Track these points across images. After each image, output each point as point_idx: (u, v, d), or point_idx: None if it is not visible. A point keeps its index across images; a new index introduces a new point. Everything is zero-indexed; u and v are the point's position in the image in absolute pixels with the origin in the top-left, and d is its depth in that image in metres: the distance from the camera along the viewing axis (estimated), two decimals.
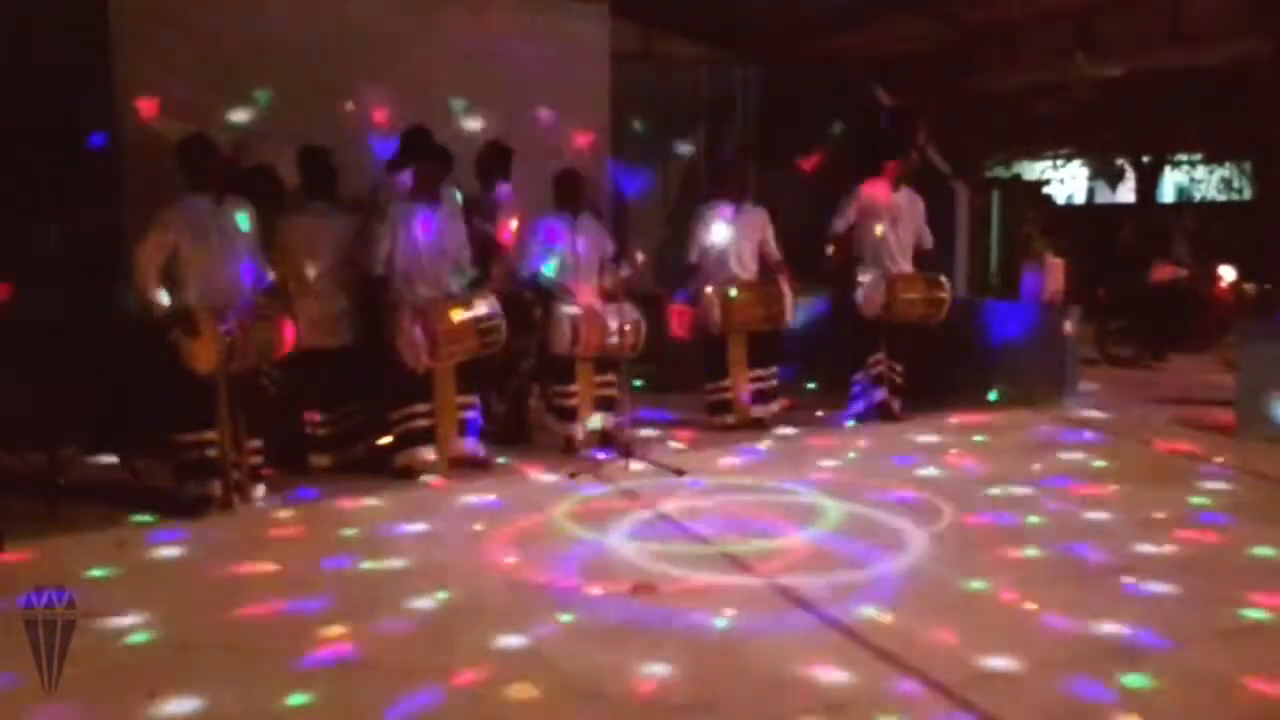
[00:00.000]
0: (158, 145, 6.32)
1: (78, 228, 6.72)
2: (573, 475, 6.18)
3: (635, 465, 6.30)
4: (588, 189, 7.00)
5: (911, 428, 7.45)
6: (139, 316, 5.53)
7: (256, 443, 5.70)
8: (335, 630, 3.94)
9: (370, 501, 5.70)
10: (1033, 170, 20.86)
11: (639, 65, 9.17)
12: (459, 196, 6.58)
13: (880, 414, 7.63)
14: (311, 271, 6.17)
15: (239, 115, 6.87)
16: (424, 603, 4.23)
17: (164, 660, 3.73)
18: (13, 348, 5.89)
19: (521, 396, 7.15)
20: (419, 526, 5.27)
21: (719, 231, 7.37)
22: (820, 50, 9.79)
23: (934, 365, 7.91)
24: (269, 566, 4.68)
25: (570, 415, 6.75)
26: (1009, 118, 14.96)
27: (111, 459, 6.18)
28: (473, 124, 7.59)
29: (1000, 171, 18.48)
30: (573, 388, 6.73)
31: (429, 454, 6.20)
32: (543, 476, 6.22)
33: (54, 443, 5.64)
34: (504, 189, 7.01)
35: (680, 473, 6.20)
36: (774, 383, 7.55)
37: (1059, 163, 21.15)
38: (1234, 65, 10.63)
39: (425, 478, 6.13)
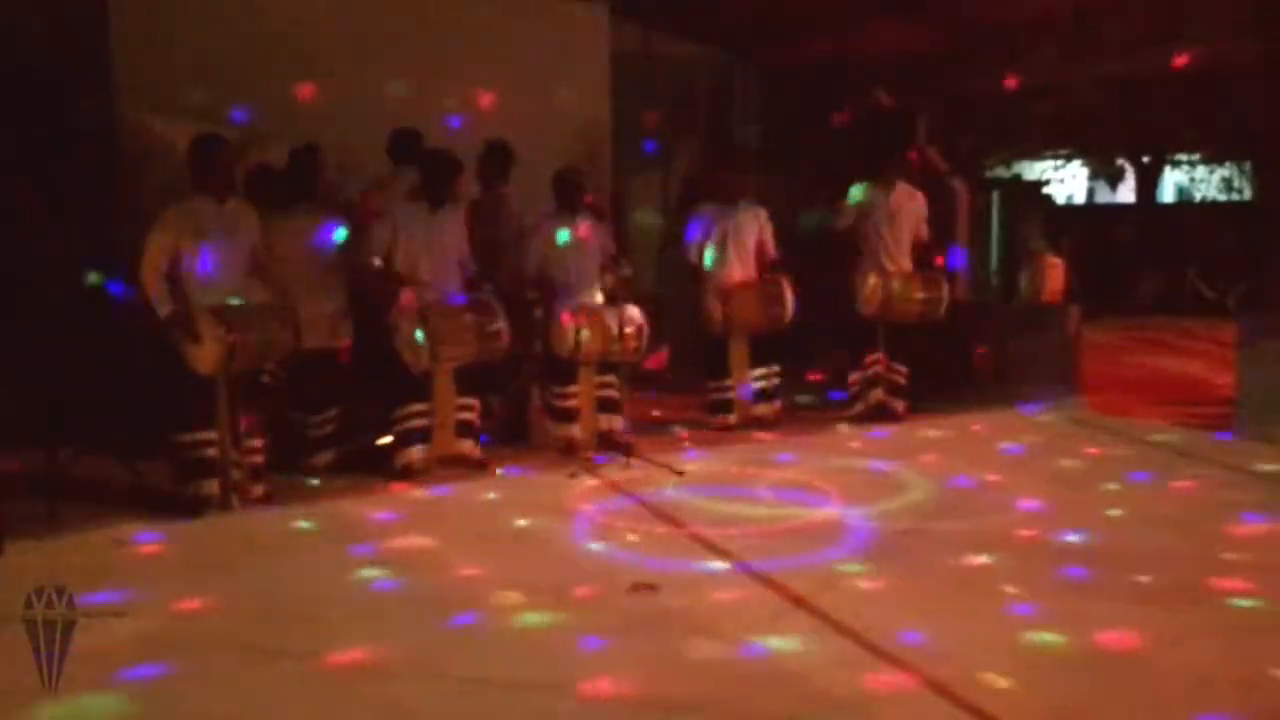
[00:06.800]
0: (157, 145, 6.33)
1: (77, 227, 6.70)
2: (572, 475, 6.18)
3: (634, 465, 6.31)
4: (588, 189, 6.99)
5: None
6: (140, 316, 5.52)
7: (257, 442, 5.70)
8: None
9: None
10: (1033, 170, 20.89)
11: (639, 65, 9.17)
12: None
13: (880, 414, 7.64)
14: (307, 272, 6.16)
15: (239, 115, 6.86)
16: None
17: None
18: (13, 348, 5.89)
19: (522, 397, 7.14)
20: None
21: (715, 232, 7.37)
22: (820, 50, 9.79)
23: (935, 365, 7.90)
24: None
25: (569, 416, 6.74)
26: (1009, 118, 14.98)
27: (111, 459, 6.16)
28: (472, 124, 7.58)
29: (1000, 171, 18.51)
30: (572, 389, 6.72)
31: (420, 453, 6.20)
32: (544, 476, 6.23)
33: (54, 443, 5.63)
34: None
35: (680, 473, 6.19)
36: (775, 381, 7.56)
37: (1059, 163, 21.20)
38: (1234, 65, 10.63)
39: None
